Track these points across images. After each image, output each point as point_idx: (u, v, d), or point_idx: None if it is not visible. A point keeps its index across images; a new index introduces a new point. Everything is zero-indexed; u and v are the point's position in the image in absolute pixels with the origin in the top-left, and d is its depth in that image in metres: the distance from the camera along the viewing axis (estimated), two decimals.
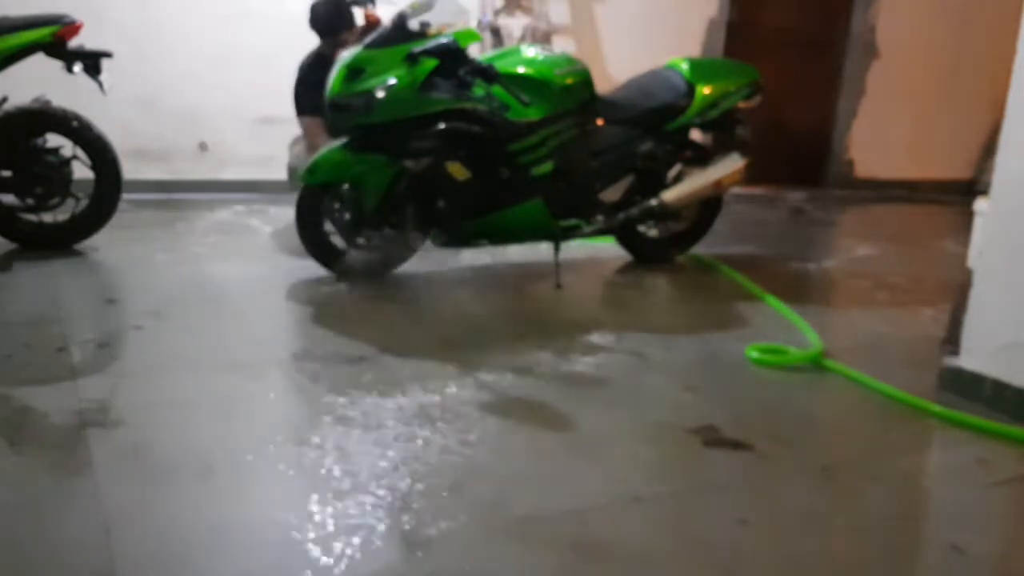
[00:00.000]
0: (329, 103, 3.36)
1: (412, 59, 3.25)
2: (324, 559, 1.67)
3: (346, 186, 3.43)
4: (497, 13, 5.49)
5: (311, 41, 4.97)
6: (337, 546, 1.74)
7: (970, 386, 2.62)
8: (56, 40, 3.56)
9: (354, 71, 3.33)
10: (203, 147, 5.01)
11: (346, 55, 3.43)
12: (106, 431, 2.14)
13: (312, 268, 3.51)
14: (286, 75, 4.99)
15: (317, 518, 1.82)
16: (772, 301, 3.49)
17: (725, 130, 4.03)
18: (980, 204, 2.83)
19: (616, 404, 2.51)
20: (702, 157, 3.96)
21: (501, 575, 1.67)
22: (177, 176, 4.96)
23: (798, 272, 4.31)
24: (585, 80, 3.61)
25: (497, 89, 3.28)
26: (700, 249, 4.22)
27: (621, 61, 4.82)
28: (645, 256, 4.14)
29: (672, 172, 3.89)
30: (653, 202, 3.78)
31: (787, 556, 1.80)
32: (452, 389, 2.53)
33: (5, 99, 3.60)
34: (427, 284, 3.62)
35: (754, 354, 2.89)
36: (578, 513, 1.89)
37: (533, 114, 3.40)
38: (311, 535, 1.75)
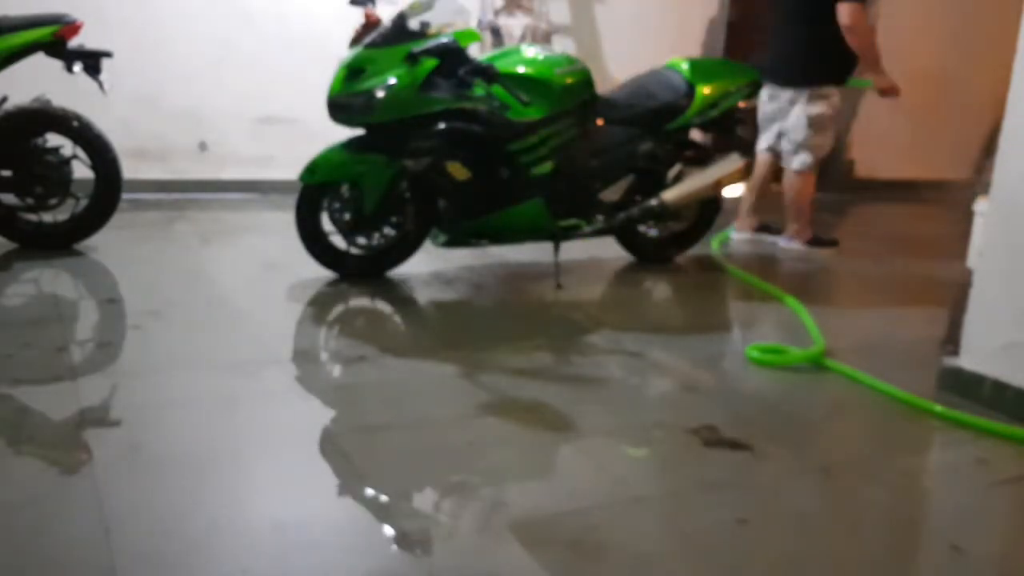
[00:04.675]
0: (329, 103, 3.36)
1: (412, 59, 3.25)
2: (323, 558, 1.67)
3: (346, 186, 3.43)
4: (497, 13, 5.49)
5: (310, 41, 4.97)
6: (336, 545, 1.74)
7: (970, 386, 2.62)
8: (56, 39, 3.55)
9: (354, 71, 3.33)
10: (203, 147, 5.01)
11: (346, 55, 3.43)
12: (106, 431, 2.14)
13: (312, 268, 3.51)
14: (286, 75, 5.00)
15: (316, 517, 1.82)
16: (791, 301, 3.48)
17: (725, 130, 4.03)
18: (980, 204, 2.83)
19: (616, 404, 2.51)
20: (702, 157, 3.96)
21: (501, 575, 1.67)
22: (177, 176, 4.96)
23: (797, 272, 4.31)
24: (585, 80, 3.61)
25: (497, 89, 3.28)
26: (701, 249, 4.22)
27: (621, 61, 4.81)
28: (645, 256, 4.14)
29: (672, 172, 3.89)
30: (653, 202, 3.78)
31: (787, 556, 1.80)
32: (452, 390, 2.53)
33: (5, 99, 3.60)
34: (427, 284, 3.62)
35: (754, 354, 2.89)
36: (578, 513, 1.89)
37: (533, 114, 3.40)
38: (310, 534, 1.75)
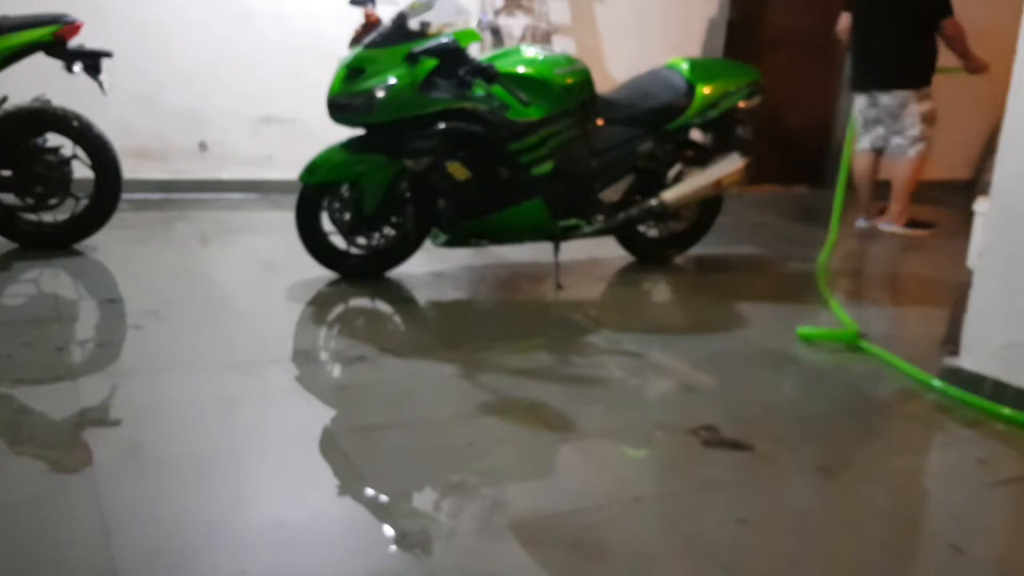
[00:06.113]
0: (329, 103, 3.36)
1: (412, 59, 3.25)
2: (323, 558, 1.68)
3: (346, 186, 3.43)
4: (497, 13, 5.49)
5: (310, 41, 4.97)
6: (336, 545, 1.74)
7: (970, 386, 2.62)
8: (56, 39, 3.55)
9: (354, 71, 3.32)
10: (203, 147, 5.01)
11: (346, 55, 3.43)
12: (106, 430, 2.14)
13: (312, 268, 3.51)
14: (286, 75, 5.00)
15: (316, 517, 1.82)
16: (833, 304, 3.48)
17: (725, 130, 4.02)
18: (980, 204, 2.83)
19: (616, 404, 2.51)
20: (702, 157, 3.96)
21: (501, 575, 1.67)
22: (177, 176, 4.96)
23: (797, 272, 4.30)
24: (585, 80, 3.61)
25: (497, 89, 3.28)
26: (700, 249, 4.21)
27: (621, 61, 4.80)
28: (645, 256, 4.14)
29: (672, 172, 3.89)
30: (653, 202, 3.78)
31: (787, 556, 1.80)
32: (452, 390, 2.53)
33: (5, 99, 3.60)
34: (427, 284, 3.62)
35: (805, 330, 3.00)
36: (578, 513, 1.89)
37: (533, 114, 3.39)
38: (310, 534, 1.75)
